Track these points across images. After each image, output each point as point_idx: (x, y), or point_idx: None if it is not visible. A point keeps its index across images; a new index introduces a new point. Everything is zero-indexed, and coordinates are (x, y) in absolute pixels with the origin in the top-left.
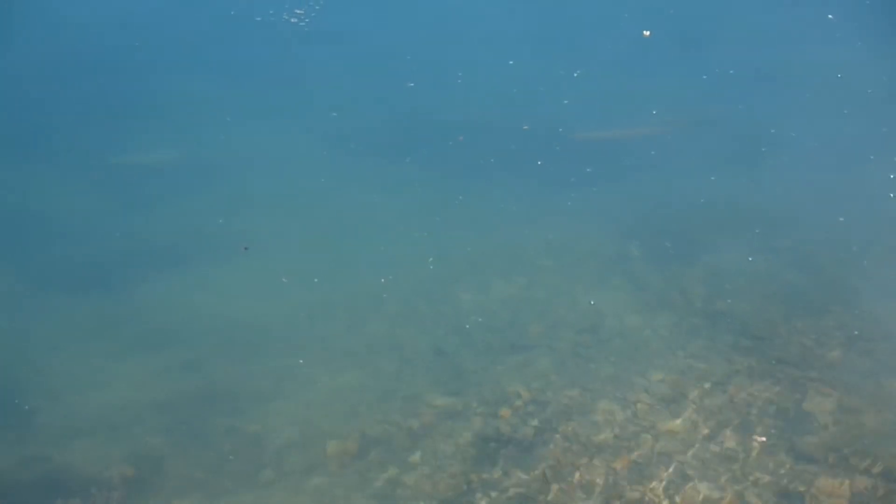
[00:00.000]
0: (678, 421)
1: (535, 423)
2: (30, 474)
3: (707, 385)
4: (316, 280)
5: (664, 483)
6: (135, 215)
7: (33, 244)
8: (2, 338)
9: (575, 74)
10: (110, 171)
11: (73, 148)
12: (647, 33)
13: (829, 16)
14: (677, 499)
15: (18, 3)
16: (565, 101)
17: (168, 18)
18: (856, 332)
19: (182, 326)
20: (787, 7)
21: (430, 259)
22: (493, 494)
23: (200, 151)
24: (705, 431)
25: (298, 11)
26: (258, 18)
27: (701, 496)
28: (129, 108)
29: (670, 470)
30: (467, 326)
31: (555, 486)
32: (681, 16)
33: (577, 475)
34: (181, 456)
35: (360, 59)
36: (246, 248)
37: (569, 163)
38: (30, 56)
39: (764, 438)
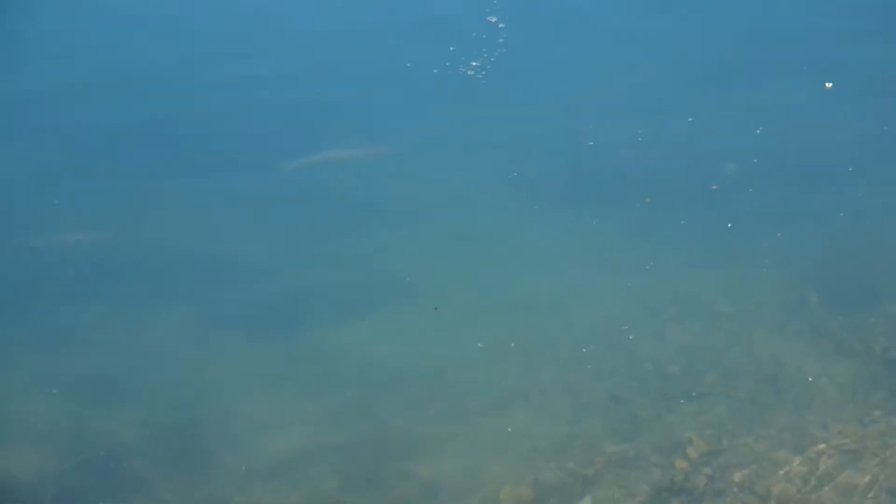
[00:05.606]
0: (860, 475)
1: (708, 471)
2: None
3: (890, 439)
4: (512, 345)
5: None
6: (311, 257)
7: (212, 284)
8: (182, 378)
9: (758, 131)
10: (293, 213)
11: (248, 187)
12: (828, 85)
13: None
14: None
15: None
16: (755, 161)
17: (351, 68)
18: None
19: (356, 371)
20: None
21: (627, 327)
22: None
23: (377, 194)
24: (889, 486)
25: (474, 64)
26: (435, 71)
27: None
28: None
29: None
30: (642, 373)
31: None
32: (861, 64)
33: None
34: (356, 499)
35: (537, 109)
36: (436, 308)
37: (746, 211)
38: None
39: None
